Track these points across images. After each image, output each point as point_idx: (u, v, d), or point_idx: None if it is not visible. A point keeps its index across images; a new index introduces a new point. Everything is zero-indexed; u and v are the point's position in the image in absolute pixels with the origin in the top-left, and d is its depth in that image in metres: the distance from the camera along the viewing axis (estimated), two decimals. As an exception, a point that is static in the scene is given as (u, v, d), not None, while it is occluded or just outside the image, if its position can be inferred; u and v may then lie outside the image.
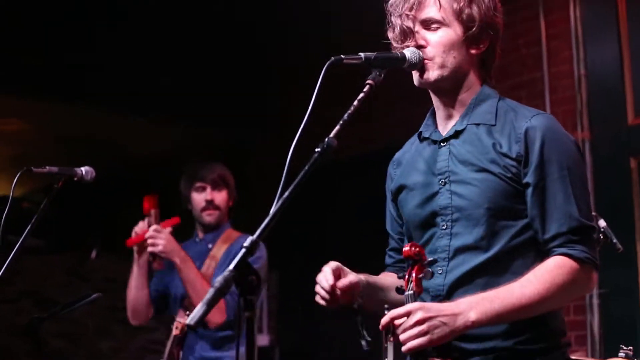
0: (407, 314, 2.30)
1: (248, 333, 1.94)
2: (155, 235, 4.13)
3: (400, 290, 2.40)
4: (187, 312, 4.00)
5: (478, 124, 2.54)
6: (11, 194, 3.22)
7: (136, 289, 4.31)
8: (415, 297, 2.36)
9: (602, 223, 3.44)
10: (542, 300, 2.35)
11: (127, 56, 7.02)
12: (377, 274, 2.71)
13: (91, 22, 6.70)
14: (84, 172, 3.43)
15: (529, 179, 2.43)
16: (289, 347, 7.33)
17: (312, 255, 7.28)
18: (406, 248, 2.40)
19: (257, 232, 2.00)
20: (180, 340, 4.10)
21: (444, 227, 2.51)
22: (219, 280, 1.88)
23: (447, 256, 2.49)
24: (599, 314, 5.34)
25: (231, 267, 1.92)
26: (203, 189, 4.39)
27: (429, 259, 2.41)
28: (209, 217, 4.39)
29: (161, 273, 4.38)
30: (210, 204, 4.38)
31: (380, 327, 2.35)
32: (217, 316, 4.08)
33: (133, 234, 4.22)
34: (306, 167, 2.16)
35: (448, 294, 2.46)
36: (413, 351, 2.30)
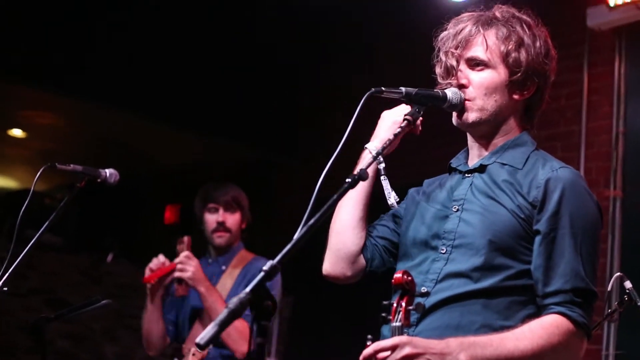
0: (394, 348, 2.18)
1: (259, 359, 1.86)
2: (185, 261, 4.08)
3: (385, 320, 2.24)
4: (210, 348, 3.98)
5: (504, 164, 2.49)
6: (32, 187, 3.17)
7: (150, 323, 4.24)
8: (402, 330, 2.21)
9: (628, 284, 3.37)
10: (533, 357, 2.26)
11: (167, 67, 7.06)
12: (382, 308, 2.38)
13: (135, 30, 6.74)
14: (107, 175, 3.36)
15: (540, 226, 2.36)
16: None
17: (325, 280, 7.27)
18: (398, 275, 2.24)
19: (278, 257, 1.93)
20: None
21: (442, 251, 2.44)
22: (233, 301, 1.81)
23: (436, 278, 2.41)
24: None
25: (248, 289, 1.85)
26: (215, 210, 4.35)
27: (422, 291, 2.33)
28: (219, 238, 4.35)
29: (172, 300, 4.34)
30: (221, 225, 4.33)
31: (360, 358, 2.22)
32: (242, 344, 4.01)
33: (147, 271, 4.15)
34: (334, 197, 2.09)
35: (425, 314, 2.37)
36: None
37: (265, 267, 1.89)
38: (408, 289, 2.25)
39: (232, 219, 4.34)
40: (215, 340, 1.80)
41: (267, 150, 8.20)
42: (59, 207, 3.21)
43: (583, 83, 5.85)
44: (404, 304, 2.22)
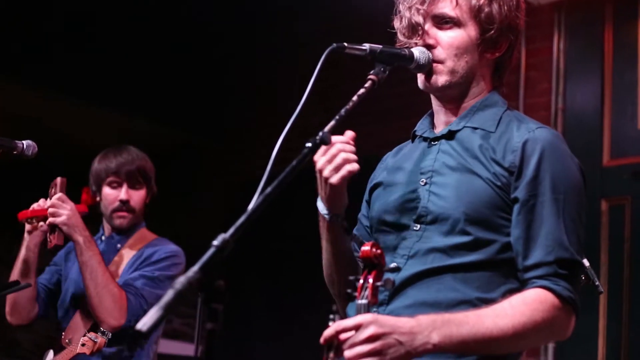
0: (357, 327, 1.92)
1: (208, 350, 1.61)
2: (58, 204, 3.46)
3: (350, 297, 2.00)
4: (100, 333, 3.39)
5: (476, 128, 2.28)
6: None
7: (19, 277, 3.57)
8: (369, 307, 1.95)
9: (585, 262, 3.23)
10: (514, 336, 2.06)
11: (82, 41, 6.77)
12: (348, 284, 2.11)
13: (56, 9, 6.46)
14: (25, 146, 3.13)
15: (518, 193, 2.16)
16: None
17: (259, 281, 7.08)
18: (365, 248, 1.98)
19: (231, 230, 1.69)
20: None
21: (416, 228, 2.23)
22: (180, 281, 1.55)
23: (408, 254, 2.21)
24: (554, 358, 5.10)
25: (196, 267, 1.59)
26: (118, 184, 3.77)
27: (391, 266, 2.10)
28: (121, 219, 3.79)
29: (55, 269, 3.84)
30: (124, 204, 3.76)
31: (321, 339, 1.95)
32: (114, 317, 3.45)
33: (30, 209, 3.58)
34: (294, 163, 1.87)
35: (397, 290, 2.17)
36: None
37: (216, 242, 1.64)
38: (376, 264, 2.00)
39: (137, 196, 3.79)
40: (159, 325, 1.52)
41: (189, 132, 7.91)
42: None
43: (521, 59, 5.70)
44: (371, 280, 1.97)
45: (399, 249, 2.24)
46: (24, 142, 3.12)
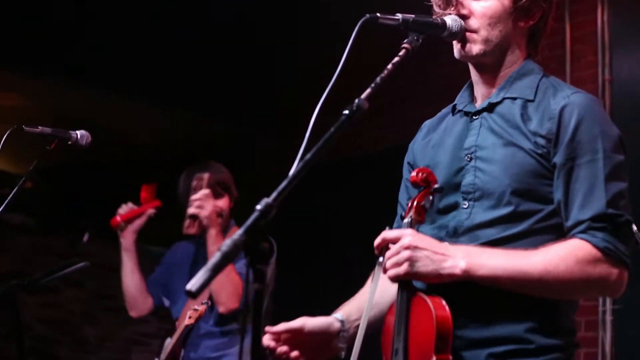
0: (398, 239, 2.10)
1: (256, 309, 1.67)
2: (205, 199, 3.99)
3: (401, 217, 2.22)
4: (205, 302, 3.80)
5: (515, 98, 2.31)
6: (-1, 149, 2.98)
7: (127, 275, 4.16)
8: (413, 224, 2.15)
9: (633, 227, 3.22)
10: (545, 274, 2.09)
11: (134, 41, 6.85)
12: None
13: (101, 4, 6.56)
14: (79, 136, 3.22)
15: (557, 158, 2.19)
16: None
17: (314, 255, 7.14)
18: (413, 174, 2.20)
19: (274, 195, 1.74)
20: (183, 339, 3.89)
21: (465, 206, 2.27)
22: (226, 243, 1.62)
23: (458, 232, 2.26)
24: (612, 331, 5.08)
25: (241, 230, 1.66)
26: None
27: (436, 187, 2.22)
28: None
29: (166, 267, 4.25)
30: None
31: (375, 250, 2.16)
32: (232, 301, 3.92)
33: (116, 217, 4.10)
34: (332, 130, 1.91)
35: None
36: (396, 280, 2.13)
37: (259, 206, 1.70)
38: (424, 186, 2.20)
39: (221, 204, 4.21)
40: (207, 286, 1.60)
41: (243, 125, 8.00)
42: (27, 172, 3.05)
43: (565, 33, 5.69)
44: (416, 201, 2.18)
45: (449, 227, 2.28)
46: (78, 132, 3.22)
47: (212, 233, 3.96)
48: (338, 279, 6.62)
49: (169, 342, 3.95)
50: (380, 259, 2.13)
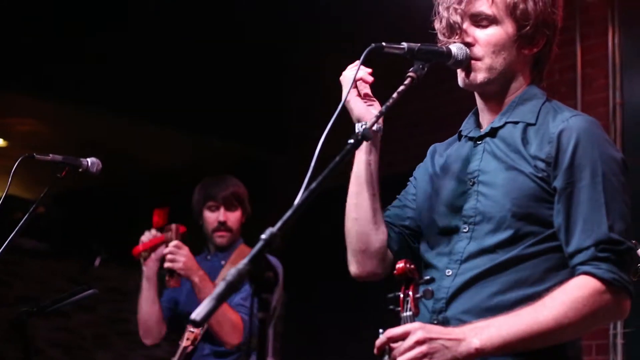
0: (406, 335, 2.06)
1: (261, 338, 1.68)
2: (175, 251, 3.91)
3: (394, 313, 2.14)
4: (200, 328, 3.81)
5: (517, 122, 2.31)
6: (10, 178, 3.02)
7: (146, 304, 4.09)
8: (414, 318, 2.10)
9: (636, 253, 3.20)
10: (557, 327, 2.08)
11: (147, 65, 6.91)
12: (389, 301, 2.23)
13: (115, 31, 6.61)
14: (89, 163, 3.24)
15: (557, 183, 2.18)
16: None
17: (321, 277, 7.15)
18: (400, 265, 2.13)
19: (278, 224, 1.75)
20: (188, 356, 3.91)
21: (465, 230, 2.27)
22: (231, 273, 1.63)
23: (460, 258, 2.25)
24: (623, 354, 5.08)
25: (246, 260, 1.66)
26: (216, 208, 4.20)
27: (426, 278, 2.17)
28: (220, 238, 4.21)
29: (170, 289, 4.20)
30: (222, 225, 4.19)
31: (375, 350, 2.10)
32: (234, 337, 3.88)
33: (140, 244, 4.05)
34: (336, 159, 1.92)
35: (452, 297, 2.23)
36: None
37: (264, 236, 1.71)
38: (412, 277, 2.14)
39: (233, 218, 4.21)
40: (211, 315, 1.60)
41: (256, 148, 8.04)
42: (38, 199, 3.07)
43: (576, 56, 5.72)
44: (411, 293, 2.12)
45: (452, 254, 2.28)
46: (89, 159, 3.24)
47: (195, 280, 3.89)
48: (348, 304, 6.65)
49: None
50: (386, 358, 2.08)
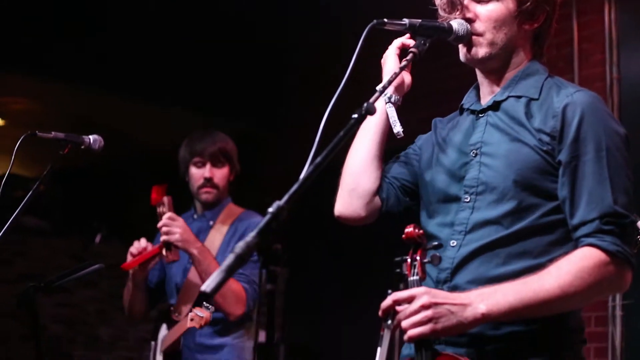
0: (411, 299, 2.08)
1: (269, 309, 1.73)
2: (170, 223, 3.77)
3: (400, 276, 2.16)
4: (205, 307, 3.62)
5: (520, 97, 2.35)
6: (12, 157, 3.05)
7: (132, 303, 4.07)
8: (420, 282, 2.13)
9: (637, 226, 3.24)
10: (563, 295, 2.11)
11: (143, 43, 6.90)
12: (390, 281, 2.28)
13: (108, 6, 6.61)
14: (91, 141, 3.27)
15: (562, 156, 2.22)
16: (294, 344, 7.14)
17: (323, 253, 7.19)
18: (409, 229, 2.16)
19: (285, 198, 1.79)
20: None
21: (466, 200, 2.31)
22: (240, 245, 1.67)
23: (465, 229, 2.29)
24: (622, 326, 5.12)
25: (254, 233, 1.70)
26: (202, 164, 4.06)
27: (434, 243, 2.20)
28: (207, 194, 4.08)
29: (158, 265, 4.10)
30: (208, 181, 4.06)
31: (380, 312, 2.12)
32: (238, 308, 3.81)
33: (128, 256, 3.91)
34: (341, 133, 1.96)
35: (457, 267, 2.26)
36: (416, 340, 2.08)
37: (271, 209, 1.76)
38: (420, 242, 2.17)
39: (220, 174, 4.08)
40: (221, 287, 1.64)
41: (249, 123, 8.04)
42: (41, 176, 3.09)
43: (573, 32, 5.73)
44: (418, 258, 2.15)
45: (455, 225, 2.31)
46: (91, 136, 3.26)
47: (194, 252, 3.76)
48: (350, 282, 6.69)
49: (167, 335, 3.90)
50: (389, 321, 2.09)
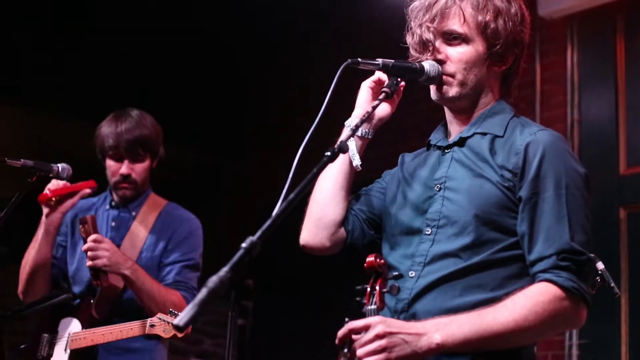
0: (367, 328, 2.11)
1: (240, 344, 1.74)
2: (95, 247, 3.41)
3: (359, 304, 2.18)
4: (171, 314, 3.34)
5: (485, 134, 2.41)
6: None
7: (38, 256, 3.61)
8: (377, 312, 2.15)
9: (600, 265, 3.28)
10: (517, 329, 2.15)
11: (104, 69, 6.87)
12: (357, 293, 2.25)
13: (75, 32, 6.58)
14: (60, 169, 3.28)
15: (522, 192, 2.27)
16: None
17: (281, 284, 7.18)
18: (370, 258, 2.19)
19: (258, 233, 1.81)
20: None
21: (427, 233, 2.35)
22: (213, 280, 1.68)
23: (424, 261, 2.33)
24: (577, 367, 5.16)
25: (227, 268, 1.72)
26: (119, 158, 3.72)
27: (394, 273, 2.23)
28: (124, 190, 3.76)
29: (59, 240, 3.80)
30: (126, 178, 3.73)
31: (336, 340, 2.15)
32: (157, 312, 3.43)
33: (46, 191, 3.51)
34: (314, 170, 2.00)
35: (415, 298, 2.29)
36: None
37: (244, 244, 1.77)
38: (381, 272, 2.19)
39: (139, 169, 3.75)
40: (194, 321, 1.65)
41: (213, 153, 8.02)
42: (9, 203, 3.08)
43: (536, 73, 5.82)
44: (377, 287, 2.17)
45: (415, 257, 2.35)
46: (59, 165, 3.27)
47: (126, 274, 3.44)
48: (308, 311, 6.68)
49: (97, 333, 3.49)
50: (345, 350, 2.12)
